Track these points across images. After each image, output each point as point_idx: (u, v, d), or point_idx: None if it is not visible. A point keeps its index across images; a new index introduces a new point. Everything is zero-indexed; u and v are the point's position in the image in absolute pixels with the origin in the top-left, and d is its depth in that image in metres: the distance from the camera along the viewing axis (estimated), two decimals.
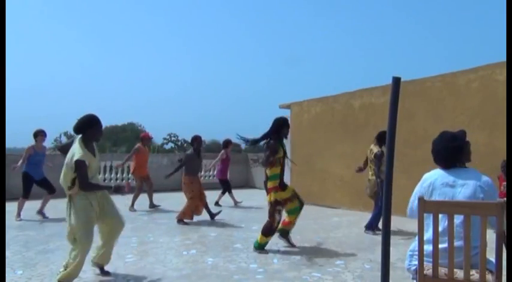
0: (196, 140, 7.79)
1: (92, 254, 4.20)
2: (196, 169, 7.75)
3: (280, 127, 5.31)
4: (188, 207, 7.39)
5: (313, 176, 10.38)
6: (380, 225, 6.54)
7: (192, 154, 7.73)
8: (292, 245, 5.55)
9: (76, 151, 3.89)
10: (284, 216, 5.44)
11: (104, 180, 11.88)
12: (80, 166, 3.84)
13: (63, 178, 3.96)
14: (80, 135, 4.03)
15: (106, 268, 4.36)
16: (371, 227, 6.62)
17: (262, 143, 5.43)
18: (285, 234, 5.59)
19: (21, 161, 7.73)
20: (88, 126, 4.01)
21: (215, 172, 10.73)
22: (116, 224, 4.20)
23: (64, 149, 4.16)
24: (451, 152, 2.82)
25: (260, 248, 5.26)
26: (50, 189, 7.85)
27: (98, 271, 4.33)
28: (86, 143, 4.00)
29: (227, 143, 10.22)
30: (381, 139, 6.62)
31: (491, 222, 2.54)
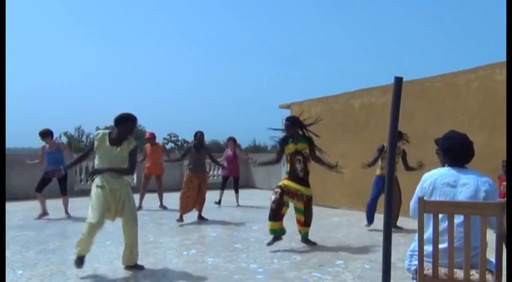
0: (196, 135, 7.89)
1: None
2: (194, 165, 7.66)
3: (292, 124, 5.76)
4: (180, 200, 7.45)
5: (313, 176, 10.32)
6: (380, 224, 6.63)
7: (191, 147, 7.81)
8: (313, 244, 5.66)
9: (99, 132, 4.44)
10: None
11: None
12: (92, 141, 4.42)
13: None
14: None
15: (105, 269, 4.37)
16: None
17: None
18: (304, 239, 5.70)
19: (37, 160, 7.96)
20: (119, 122, 4.35)
21: (221, 172, 10.84)
22: (126, 226, 4.42)
23: None
24: (468, 149, 2.85)
25: (271, 233, 5.43)
26: (63, 191, 7.91)
27: (97, 271, 4.35)
28: (112, 135, 4.37)
29: (228, 140, 10.33)
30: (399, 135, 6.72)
31: (492, 223, 2.54)
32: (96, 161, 4.37)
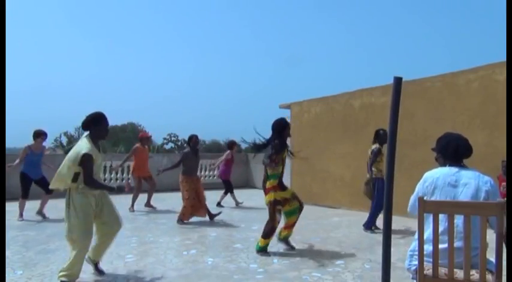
0: (192, 139, 7.87)
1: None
2: (192, 168, 7.70)
3: (282, 129, 5.29)
4: (185, 208, 7.40)
5: (313, 176, 10.38)
6: (379, 224, 6.61)
7: (188, 152, 7.75)
8: (291, 248, 5.48)
9: (84, 146, 3.94)
10: (283, 219, 5.39)
11: (104, 180, 11.87)
12: (87, 160, 3.88)
13: (66, 172, 3.92)
14: (87, 132, 4.09)
15: (105, 269, 4.38)
16: (369, 225, 6.67)
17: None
18: (284, 240, 5.55)
19: (17, 161, 7.67)
20: (94, 124, 4.06)
21: (218, 172, 10.72)
22: (113, 225, 4.22)
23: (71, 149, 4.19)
24: (463, 144, 2.88)
25: (262, 250, 5.22)
26: (47, 189, 7.71)
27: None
28: (93, 140, 4.04)
29: (232, 144, 10.23)
30: (377, 136, 6.72)
31: (492, 223, 2.54)
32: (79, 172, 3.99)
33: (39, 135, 7.69)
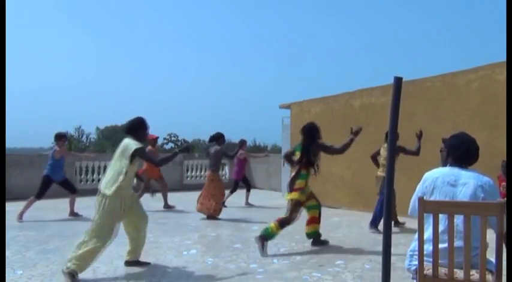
0: (221, 138, 8.03)
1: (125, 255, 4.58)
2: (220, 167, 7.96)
3: (313, 133, 5.90)
4: (217, 204, 7.64)
5: (313, 176, 10.35)
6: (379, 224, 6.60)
7: (221, 150, 7.96)
8: (325, 243, 5.66)
9: (131, 142, 4.24)
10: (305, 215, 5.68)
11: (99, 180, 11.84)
12: (143, 151, 4.27)
13: (118, 169, 4.17)
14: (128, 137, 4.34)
15: (105, 269, 4.38)
16: (375, 223, 6.64)
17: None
18: (317, 239, 5.65)
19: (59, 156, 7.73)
20: (138, 128, 4.38)
21: (231, 173, 10.76)
22: (141, 221, 4.47)
23: None
24: (474, 150, 2.86)
25: (267, 236, 5.21)
26: (72, 189, 7.90)
27: (97, 271, 4.35)
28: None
29: (242, 143, 10.17)
30: (386, 136, 6.75)
31: (492, 223, 2.54)
32: (127, 169, 4.20)
33: (61, 138, 7.85)
